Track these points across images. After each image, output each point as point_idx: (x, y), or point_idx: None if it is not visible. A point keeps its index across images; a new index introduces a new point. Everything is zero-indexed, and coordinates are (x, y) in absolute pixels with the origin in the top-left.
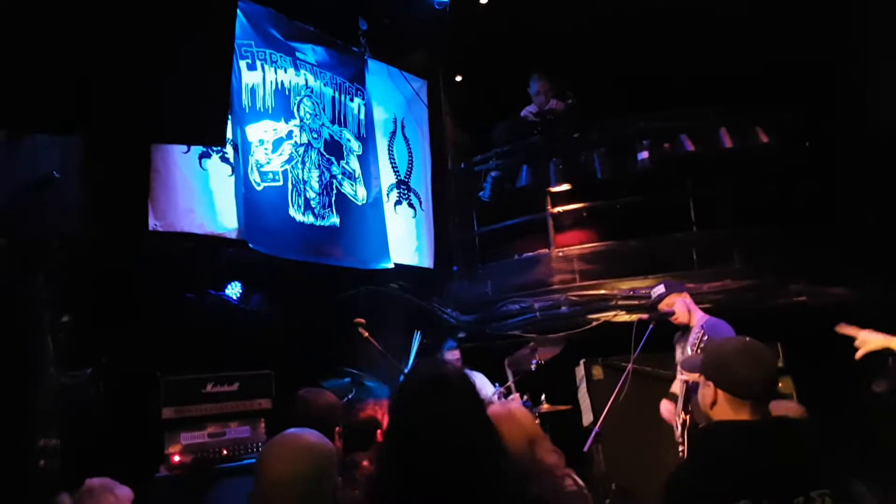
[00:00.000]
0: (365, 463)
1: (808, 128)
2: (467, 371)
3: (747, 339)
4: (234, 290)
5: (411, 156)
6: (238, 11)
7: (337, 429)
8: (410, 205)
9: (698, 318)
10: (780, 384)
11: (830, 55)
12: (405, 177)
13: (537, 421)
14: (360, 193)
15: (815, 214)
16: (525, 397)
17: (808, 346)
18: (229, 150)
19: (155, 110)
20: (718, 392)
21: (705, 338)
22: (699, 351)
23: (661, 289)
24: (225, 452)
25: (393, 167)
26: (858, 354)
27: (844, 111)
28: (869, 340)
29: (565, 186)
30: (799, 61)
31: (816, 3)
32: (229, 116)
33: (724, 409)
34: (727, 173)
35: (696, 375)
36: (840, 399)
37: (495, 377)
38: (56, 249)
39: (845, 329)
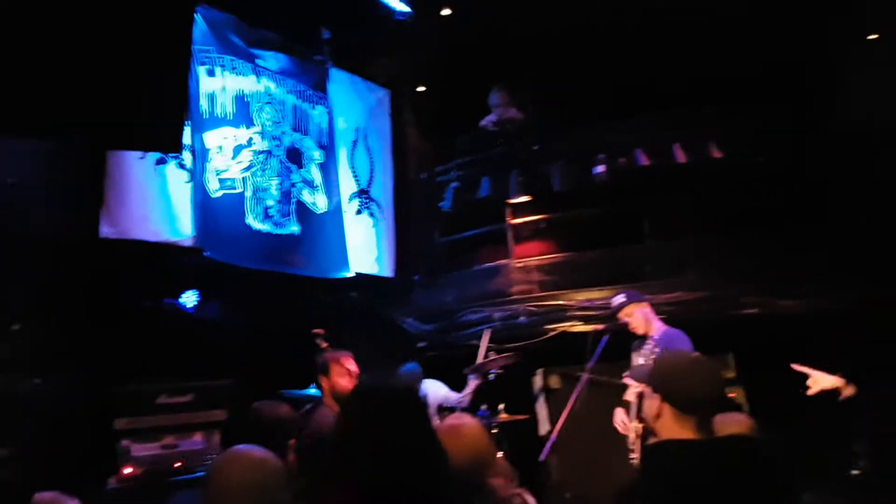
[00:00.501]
0: None
1: (761, 142)
2: (428, 380)
3: (697, 354)
4: (190, 298)
5: (373, 165)
6: (198, 17)
7: (291, 441)
8: (371, 214)
9: (656, 328)
10: (731, 394)
11: (783, 67)
12: (366, 186)
13: (494, 431)
14: (320, 202)
15: (767, 228)
16: (483, 406)
17: (760, 356)
18: (187, 156)
19: (111, 117)
20: (664, 405)
21: (657, 349)
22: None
23: (621, 298)
24: (178, 464)
25: (354, 176)
26: (810, 392)
27: (798, 126)
28: (819, 380)
29: (525, 198)
30: (756, 72)
31: (784, 6)
32: (187, 123)
33: (669, 423)
34: (681, 187)
35: (644, 385)
36: (790, 409)
37: (456, 386)
38: (7, 256)
39: (799, 368)
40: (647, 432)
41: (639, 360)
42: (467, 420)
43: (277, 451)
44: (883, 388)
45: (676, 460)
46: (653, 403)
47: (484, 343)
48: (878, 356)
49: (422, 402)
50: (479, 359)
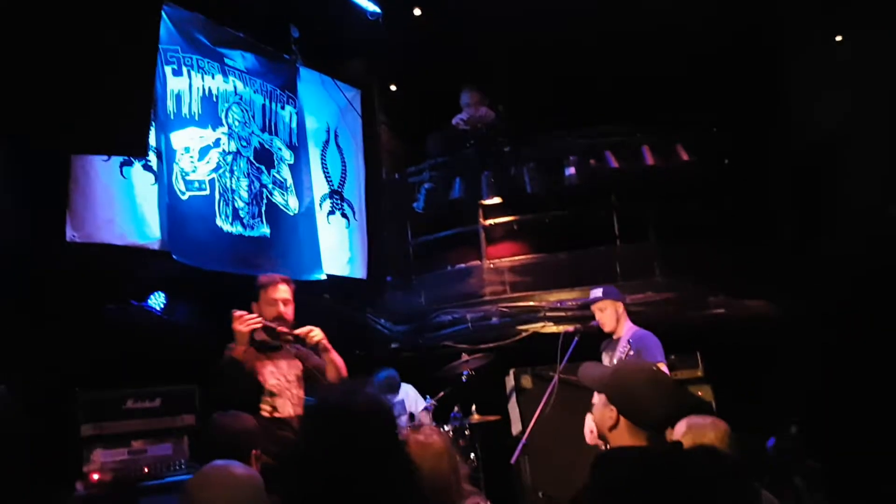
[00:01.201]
0: None
1: (728, 145)
2: (401, 385)
3: (656, 369)
4: (157, 300)
5: (345, 165)
6: (163, 16)
7: (254, 452)
8: (344, 215)
9: (626, 328)
10: (699, 393)
11: (753, 68)
12: (338, 186)
13: (467, 433)
14: (291, 203)
15: (734, 230)
16: (456, 408)
17: (726, 355)
18: (153, 157)
19: (73, 120)
20: (621, 418)
21: (631, 352)
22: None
23: (598, 292)
24: (146, 470)
25: (326, 177)
26: None
27: (763, 129)
28: None
29: (496, 200)
30: (724, 76)
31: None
32: (153, 124)
33: (623, 434)
34: (650, 189)
35: (599, 394)
36: (755, 407)
37: (428, 387)
38: None
39: None
40: None
41: (613, 360)
42: (435, 438)
43: (241, 455)
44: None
45: (628, 466)
46: (609, 415)
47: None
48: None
49: (385, 421)
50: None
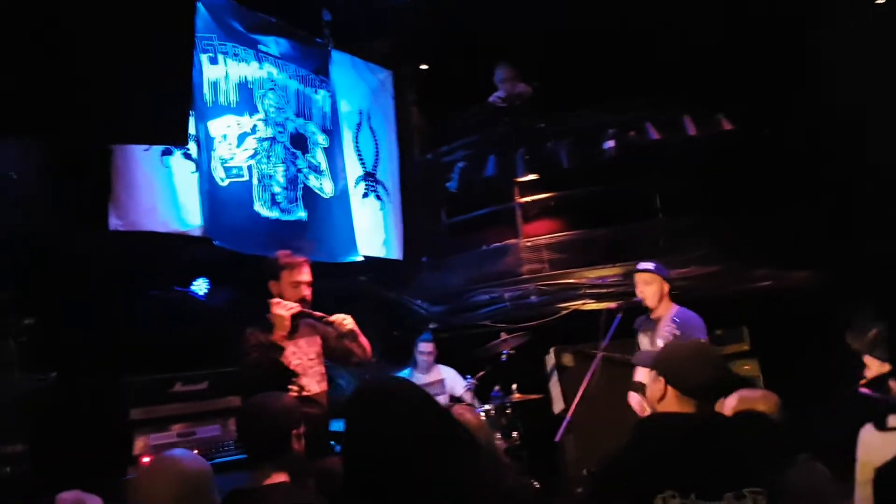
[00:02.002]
0: None
1: (768, 115)
2: (438, 366)
3: (703, 341)
4: (200, 286)
5: (378, 147)
6: (199, 5)
7: (294, 431)
8: (378, 197)
9: (670, 308)
10: (746, 367)
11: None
12: (372, 169)
13: (508, 411)
14: (326, 187)
15: (778, 201)
16: (496, 387)
17: (774, 329)
18: (192, 146)
19: (114, 111)
20: (668, 388)
21: (676, 332)
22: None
23: (650, 265)
24: (195, 452)
25: (359, 159)
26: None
27: (802, 97)
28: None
29: (532, 176)
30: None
31: None
32: (191, 113)
33: (672, 405)
34: (692, 160)
35: (649, 370)
36: (805, 381)
37: (468, 368)
38: (17, 250)
39: None
40: None
41: (655, 341)
42: (467, 415)
43: (283, 442)
44: None
45: (665, 431)
46: (657, 387)
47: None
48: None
49: (426, 395)
50: None
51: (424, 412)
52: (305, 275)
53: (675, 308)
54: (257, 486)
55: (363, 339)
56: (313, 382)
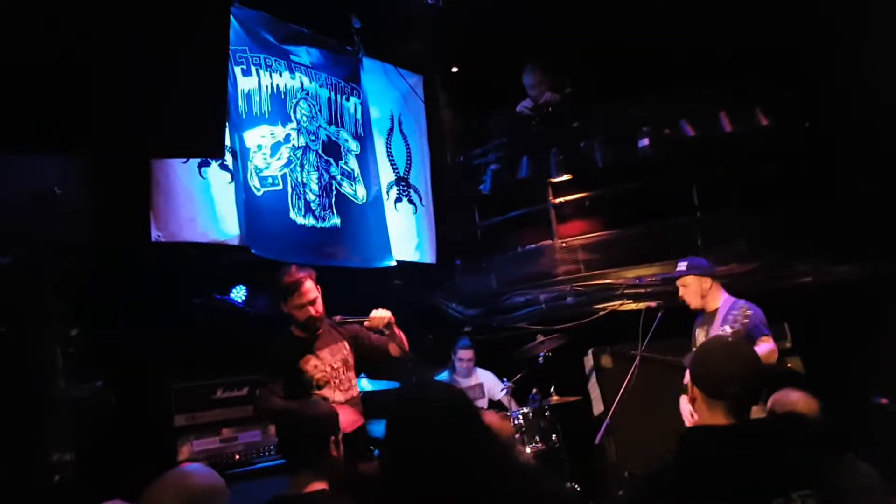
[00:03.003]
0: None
1: (806, 106)
2: (476, 369)
3: (731, 339)
4: (239, 293)
5: (409, 152)
6: (231, 17)
7: (332, 438)
8: (411, 201)
9: (723, 300)
10: (789, 364)
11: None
12: (404, 173)
13: (547, 414)
14: (359, 193)
15: (817, 193)
16: (534, 390)
17: (816, 325)
18: (228, 157)
19: (152, 125)
20: (695, 389)
21: (749, 312)
22: (742, 324)
23: (682, 266)
24: (238, 457)
25: (392, 164)
26: None
27: (841, 87)
28: None
29: (566, 176)
30: (795, 39)
31: None
32: (227, 124)
33: (701, 408)
34: (729, 156)
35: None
36: (848, 377)
37: (504, 370)
38: (62, 263)
39: None
40: None
41: (707, 335)
42: (490, 418)
43: (322, 448)
44: None
45: (708, 443)
46: (689, 387)
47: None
48: None
49: (470, 406)
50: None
51: (466, 422)
52: (309, 294)
53: (730, 301)
54: (298, 493)
55: (399, 332)
56: (338, 392)
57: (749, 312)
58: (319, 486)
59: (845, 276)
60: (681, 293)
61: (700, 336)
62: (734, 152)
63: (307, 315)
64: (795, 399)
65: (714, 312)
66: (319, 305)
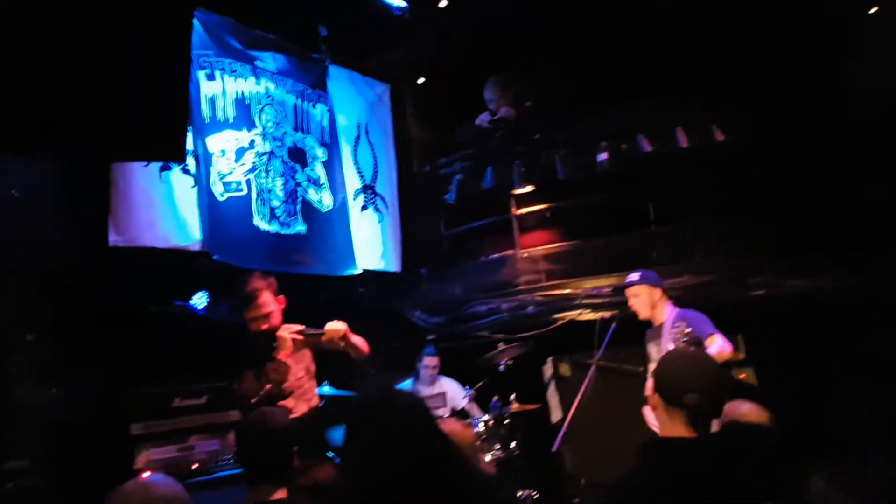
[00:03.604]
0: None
1: (763, 123)
2: (440, 378)
3: (696, 350)
4: (200, 300)
5: (376, 160)
6: (195, 21)
7: (294, 448)
8: (377, 209)
9: (667, 312)
10: (742, 375)
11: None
12: (371, 181)
13: (507, 422)
14: (325, 200)
15: (772, 208)
16: (494, 398)
17: (769, 337)
18: (190, 161)
19: (112, 129)
20: (657, 397)
21: (687, 329)
22: (682, 342)
23: (634, 277)
24: (195, 466)
25: (358, 172)
26: None
27: (801, 104)
28: None
29: (528, 188)
30: (755, 54)
31: None
32: (189, 129)
33: (662, 416)
34: (685, 171)
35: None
36: (801, 389)
37: (467, 378)
38: (19, 267)
39: None
40: None
41: (664, 345)
42: (451, 422)
43: (284, 461)
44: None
45: (672, 456)
46: (651, 395)
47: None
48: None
49: (429, 414)
50: None
51: (423, 430)
52: (264, 307)
53: (674, 311)
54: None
55: (355, 339)
56: (302, 402)
57: (687, 330)
58: (280, 495)
59: (799, 289)
60: (630, 303)
61: (652, 349)
62: (691, 167)
63: (259, 329)
64: (745, 411)
65: (661, 326)
66: (275, 319)
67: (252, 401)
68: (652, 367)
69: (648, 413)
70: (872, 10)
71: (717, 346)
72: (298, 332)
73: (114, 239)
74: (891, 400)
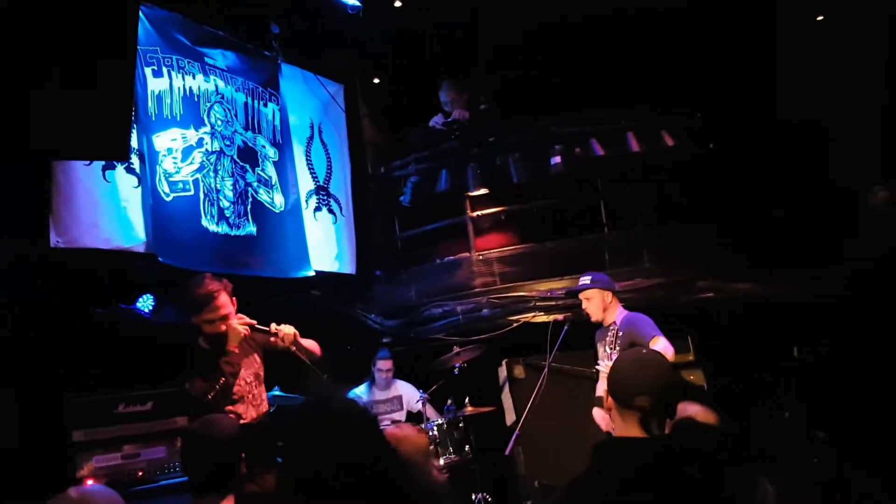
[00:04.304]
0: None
1: (713, 129)
2: (396, 381)
3: (647, 351)
4: (145, 303)
5: (330, 161)
6: (142, 16)
7: (243, 455)
8: (330, 210)
9: (617, 314)
10: (691, 377)
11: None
12: (324, 182)
13: (461, 425)
14: (277, 201)
15: (721, 215)
16: (449, 401)
17: (717, 339)
18: (135, 160)
19: (52, 126)
20: (610, 399)
21: (620, 334)
22: (616, 347)
23: (586, 280)
24: (140, 474)
25: (311, 173)
26: None
27: (748, 110)
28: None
29: (483, 191)
30: (706, 61)
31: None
32: (134, 126)
33: (616, 418)
34: (637, 175)
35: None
36: (747, 389)
37: (422, 381)
38: None
39: None
40: None
41: (605, 347)
42: (406, 427)
43: (231, 470)
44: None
45: (622, 457)
46: (605, 397)
47: None
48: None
49: (373, 420)
50: None
51: (363, 437)
52: (223, 308)
53: (623, 314)
54: None
55: (306, 343)
56: (251, 408)
57: (620, 334)
58: (226, 503)
59: (746, 293)
60: (584, 306)
61: (600, 349)
62: (642, 171)
63: (217, 330)
64: (694, 412)
65: (609, 326)
66: (231, 320)
67: (209, 396)
68: (601, 366)
69: (597, 414)
70: (819, 18)
71: (660, 347)
72: (248, 327)
73: (55, 240)
74: (827, 403)
